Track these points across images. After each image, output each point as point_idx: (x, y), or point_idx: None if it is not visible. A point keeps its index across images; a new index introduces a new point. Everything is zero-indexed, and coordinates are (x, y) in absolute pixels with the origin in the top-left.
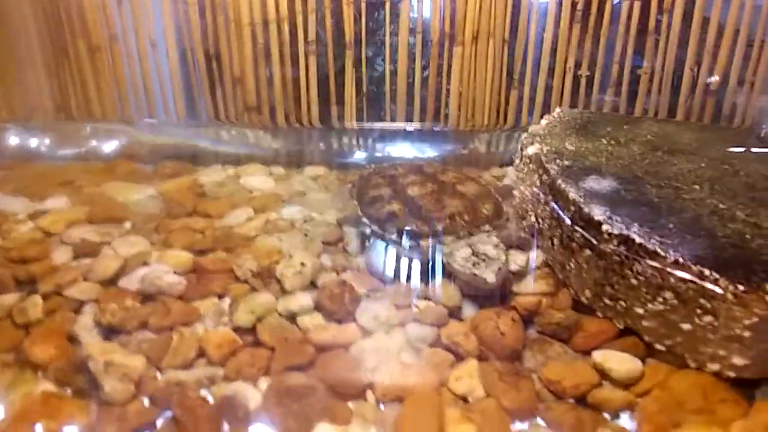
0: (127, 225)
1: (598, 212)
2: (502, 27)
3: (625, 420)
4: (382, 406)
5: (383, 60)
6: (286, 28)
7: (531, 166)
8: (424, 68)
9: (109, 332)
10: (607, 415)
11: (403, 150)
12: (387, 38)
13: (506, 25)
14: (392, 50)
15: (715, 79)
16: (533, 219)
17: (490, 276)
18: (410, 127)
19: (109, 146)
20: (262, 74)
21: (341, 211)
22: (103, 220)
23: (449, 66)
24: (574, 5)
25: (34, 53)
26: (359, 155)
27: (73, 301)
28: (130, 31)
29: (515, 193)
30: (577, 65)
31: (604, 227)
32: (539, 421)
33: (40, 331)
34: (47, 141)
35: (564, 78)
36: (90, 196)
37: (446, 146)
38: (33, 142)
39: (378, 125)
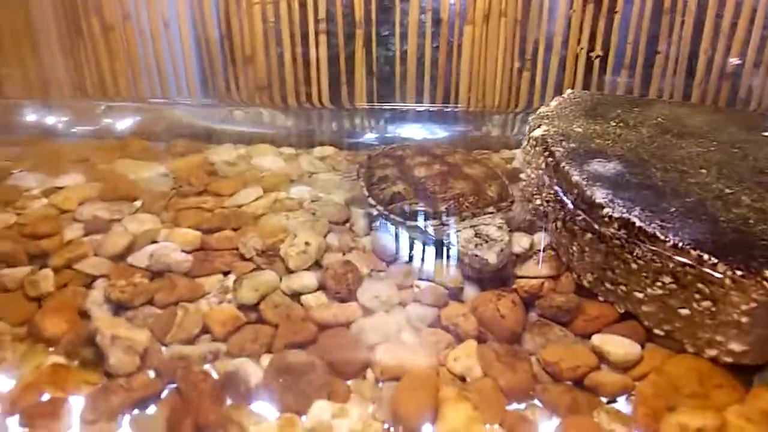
0: (138, 203)
1: (600, 195)
2: (515, 6)
3: (621, 403)
4: (380, 384)
5: (393, 39)
6: (296, 6)
7: (538, 148)
8: (435, 48)
9: (118, 307)
10: (603, 398)
11: (413, 131)
12: (397, 17)
13: (518, 4)
14: (402, 29)
15: (736, 62)
16: (538, 202)
17: (491, 257)
18: (420, 107)
19: (123, 124)
20: (273, 54)
21: (349, 192)
22: (115, 198)
23: (460, 46)
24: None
25: (49, 31)
26: (369, 136)
27: (84, 276)
28: (143, 9)
29: (522, 176)
30: (591, 46)
31: (605, 210)
32: (536, 402)
33: (51, 305)
34: (63, 118)
35: (577, 59)
36: (103, 173)
37: (456, 127)
38: (50, 120)
39: (388, 105)
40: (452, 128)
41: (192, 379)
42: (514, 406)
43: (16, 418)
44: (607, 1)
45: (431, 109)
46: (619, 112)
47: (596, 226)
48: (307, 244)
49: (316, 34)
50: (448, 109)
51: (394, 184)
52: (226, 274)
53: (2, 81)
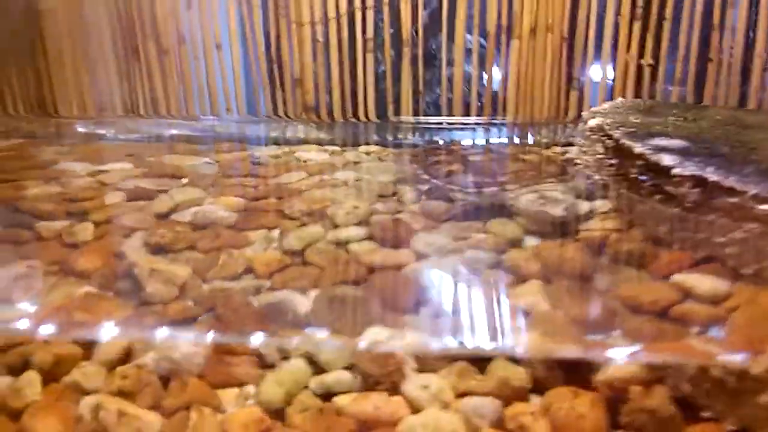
0: (184, 180)
1: (667, 159)
2: (560, 21)
3: (713, 333)
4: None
5: (439, 56)
6: (345, 25)
7: (594, 136)
8: (481, 63)
9: (157, 251)
10: (692, 329)
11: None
12: (444, 34)
13: (565, 20)
14: (449, 44)
15: None
16: (597, 178)
17: (557, 211)
18: (468, 120)
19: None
20: (321, 73)
21: (396, 174)
22: (160, 176)
23: (507, 60)
24: (634, 2)
25: (106, 55)
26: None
27: (124, 228)
28: (198, 33)
29: (578, 161)
30: (640, 55)
31: (676, 170)
32: (615, 332)
33: (87, 248)
34: (112, 131)
35: (626, 70)
36: (149, 163)
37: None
38: (100, 131)
39: (434, 119)
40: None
41: (233, 305)
42: (591, 336)
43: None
44: (656, 10)
45: (479, 122)
46: (675, 112)
47: (666, 188)
48: (355, 207)
49: (364, 53)
50: (496, 123)
51: (450, 165)
52: (270, 229)
53: (57, 101)
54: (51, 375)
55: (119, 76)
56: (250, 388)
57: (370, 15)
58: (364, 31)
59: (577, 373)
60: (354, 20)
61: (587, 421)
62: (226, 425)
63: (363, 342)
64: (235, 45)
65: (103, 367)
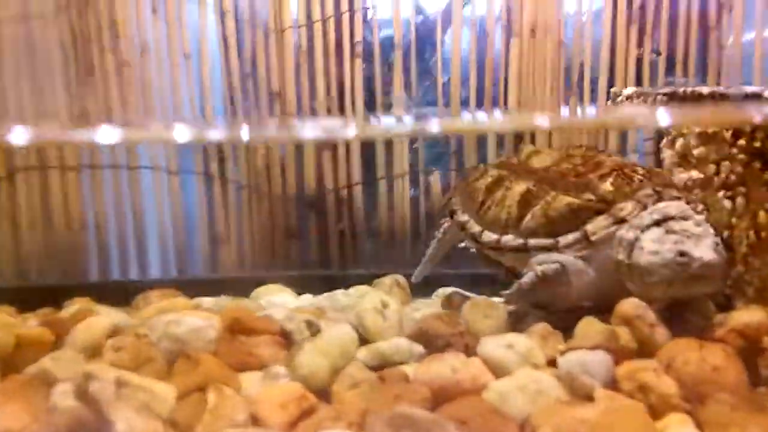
0: None
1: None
2: (556, 26)
3: None
4: None
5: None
6: (332, 29)
7: (635, 101)
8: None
9: None
10: None
11: None
12: (438, 32)
13: (561, 23)
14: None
15: None
16: None
17: None
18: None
19: None
20: (305, 82)
21: None
22: None
23: (506, 59)
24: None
25: (54, 69)
26: None
27: None
28: (163, 42)
29: None
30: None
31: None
32: None
33: None
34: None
35: (626, 68)
36: None
37: None
38: None
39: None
40: None
41: None
42: None
43: None
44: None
45: None
46: None
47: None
48: None
49: (352, 57)
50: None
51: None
52: None
53: None
54: (11, 363)
55: (69, 91)
56: (279, 369)
57: (359, 18)
58: (352, 36)
59: (687, 331)
60: (341, 24)
61: (726, 374)
62: (256, 406)
63: None
64: (206, 54)
65: (82, 353)
